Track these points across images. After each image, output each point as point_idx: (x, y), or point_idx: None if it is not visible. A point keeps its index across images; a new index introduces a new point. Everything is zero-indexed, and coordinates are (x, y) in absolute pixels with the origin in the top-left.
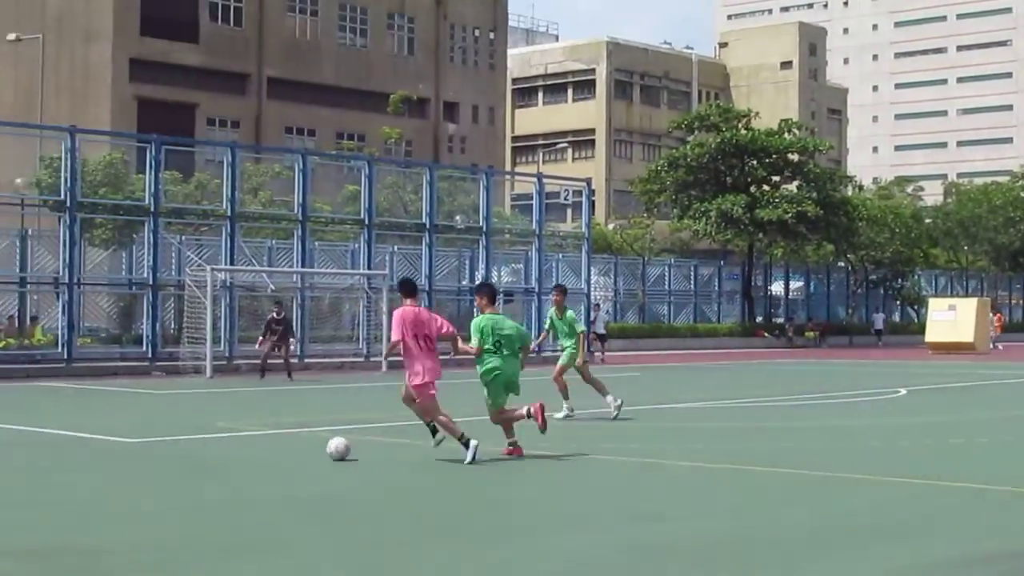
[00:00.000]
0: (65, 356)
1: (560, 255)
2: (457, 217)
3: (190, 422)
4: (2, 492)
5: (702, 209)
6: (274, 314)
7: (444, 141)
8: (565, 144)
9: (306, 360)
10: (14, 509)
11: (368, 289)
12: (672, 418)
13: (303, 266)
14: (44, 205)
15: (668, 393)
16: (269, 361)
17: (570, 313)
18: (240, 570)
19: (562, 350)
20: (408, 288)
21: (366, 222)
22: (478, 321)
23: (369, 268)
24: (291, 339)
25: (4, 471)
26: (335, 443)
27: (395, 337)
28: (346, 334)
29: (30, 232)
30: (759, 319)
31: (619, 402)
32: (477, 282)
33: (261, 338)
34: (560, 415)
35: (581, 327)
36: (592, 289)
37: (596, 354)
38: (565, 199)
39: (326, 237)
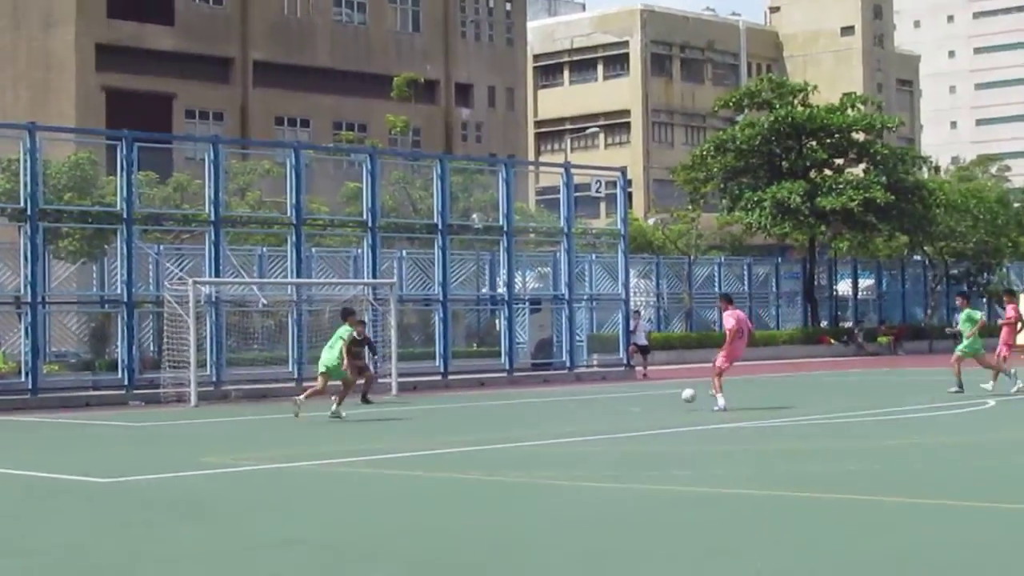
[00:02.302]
0: (29, 386)
1: (593, 256)
2: (474, 215)
3: (173, 457)
4: None
5: (755, 199)
6: (354, 334)
7: (457, 129)
8: (596, 128)
9: (304, 384)
10: None
11: (374, 300)
12: (723, 440)
13: (299, 276)
14: (2, 214)
15: (718, 412)
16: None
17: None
18: None
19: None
20: None
21: (370, 224)
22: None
23: (374, 276)
24: (374, 357)
25: None
26: (687, 392)
27: None
28: None
29: None
30: (824, 324)
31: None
32: (498, 290)
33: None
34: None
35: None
36: (631, 294)
37: (638, 369)
38: (597, 191)
39: (324, 242)
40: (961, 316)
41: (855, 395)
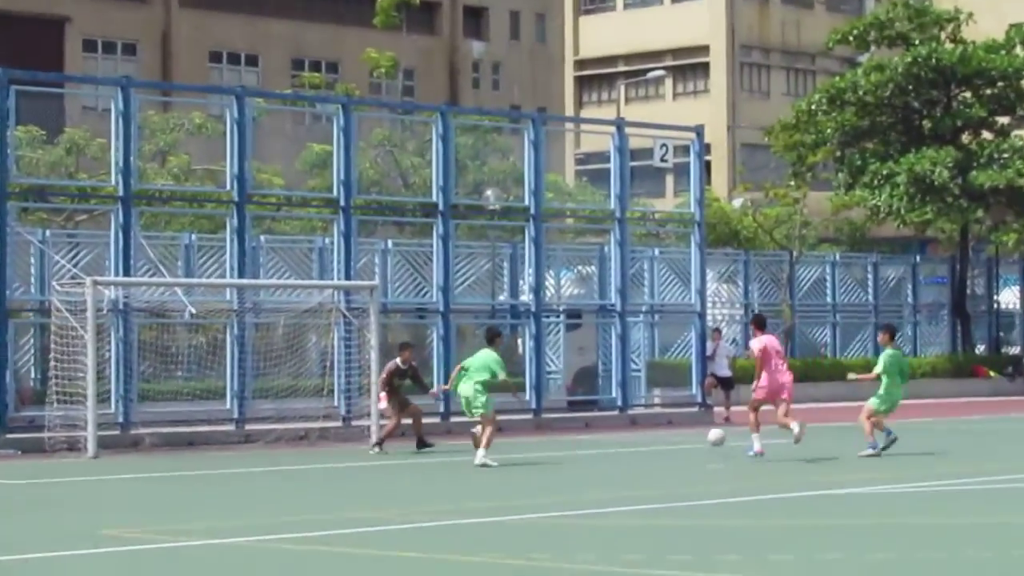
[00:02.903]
0: None
1: (656, 250)
2: (488, 192)
3: (63, 529)
4: None
5: (884, 172)
6: (398, 361)
7: (466, 70)
8: (662, 71)
9: (247, 428)
10: None
11: (346, 310)
12: (839, 510)
13: (241, 275)
14: None
15: (828, 470)
16: (387, 425)
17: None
18: None
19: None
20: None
21: (342, 203)
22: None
23: (348, 276)
24: (430, 391)
25: None
26: (715, 434)
27: None
28: (312, 384)
29: None
30: (980, 349)
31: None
32: (521, 296)
33: (383, 394)
34: None
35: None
36: (708, 304)
37: (717, 409)
38: (663, 160)
39: (279, 227)
40: (883, 358)
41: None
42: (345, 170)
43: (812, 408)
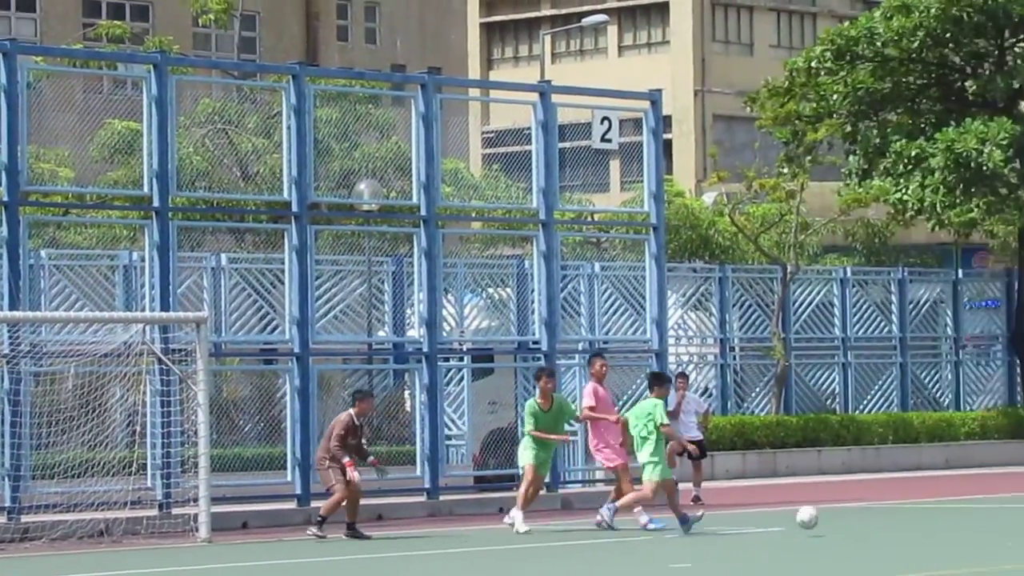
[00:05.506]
0: None
1: (596, 266)
2: (362, 187)
3: None
4: None
5: (912, 153)
6: (352, 413)
7: (329, 16)
8: (602, 16)
9: (23, 520)
10: None
11: (163, 354)
12: None
13: (13, 306)
14: None
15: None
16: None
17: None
18: None
19: None
20: None
21: (156, 203)
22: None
23: (165, 305)
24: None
25: None
26: (806, 512)
27: None
28: (116, 458)
29: None
30: None
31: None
32: (409, 332)
33: (348, 459)
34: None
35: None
36: (670, 340)
37: (684, 486)
38: (605, 139)
39: (67, 239)
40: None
41: None
42: (160, 157)
43: (814, 482)
